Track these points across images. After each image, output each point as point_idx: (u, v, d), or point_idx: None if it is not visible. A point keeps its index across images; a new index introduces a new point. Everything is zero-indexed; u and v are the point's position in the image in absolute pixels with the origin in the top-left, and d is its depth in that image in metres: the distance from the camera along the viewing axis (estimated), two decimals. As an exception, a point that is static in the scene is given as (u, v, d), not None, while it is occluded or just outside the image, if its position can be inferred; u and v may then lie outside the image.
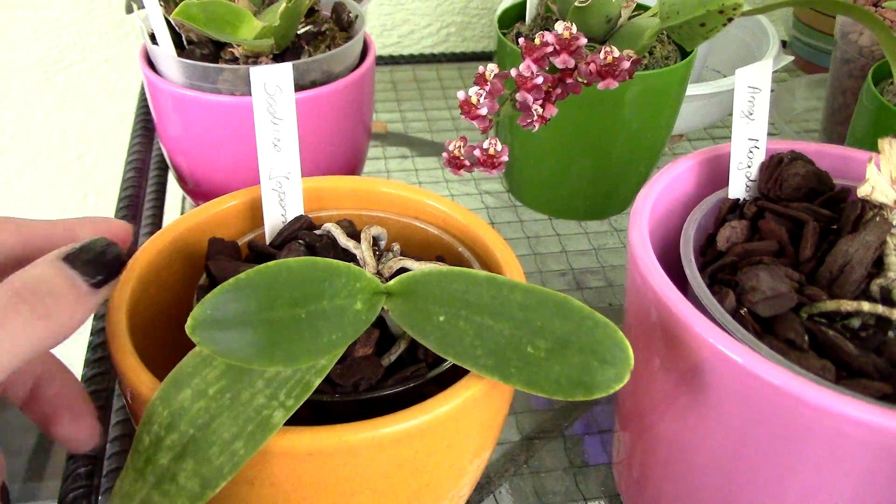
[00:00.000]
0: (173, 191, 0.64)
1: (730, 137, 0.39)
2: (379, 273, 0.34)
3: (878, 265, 0.34)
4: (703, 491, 0.35)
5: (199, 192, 0.56)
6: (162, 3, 0.51)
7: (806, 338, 0.32)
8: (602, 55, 0.39)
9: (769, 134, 0.73)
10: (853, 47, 0.61)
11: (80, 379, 0.41)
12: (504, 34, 0.60)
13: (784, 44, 0.87)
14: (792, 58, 0.69)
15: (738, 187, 0.39)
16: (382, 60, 0.87)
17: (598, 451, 0.46)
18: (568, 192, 0.61)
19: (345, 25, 0.56)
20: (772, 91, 0.79)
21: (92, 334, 0.44)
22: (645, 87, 0.54)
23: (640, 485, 0.40)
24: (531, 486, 0.44)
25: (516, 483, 0.44)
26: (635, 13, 0.53)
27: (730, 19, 0.34)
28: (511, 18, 0.62)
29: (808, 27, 0.80)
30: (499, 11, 0.62)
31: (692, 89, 0.64)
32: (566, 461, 0.45)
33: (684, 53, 0.58)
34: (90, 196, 1.00)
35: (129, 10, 0.58)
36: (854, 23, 0.61)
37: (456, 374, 0.31)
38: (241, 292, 0.26)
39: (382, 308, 0.31)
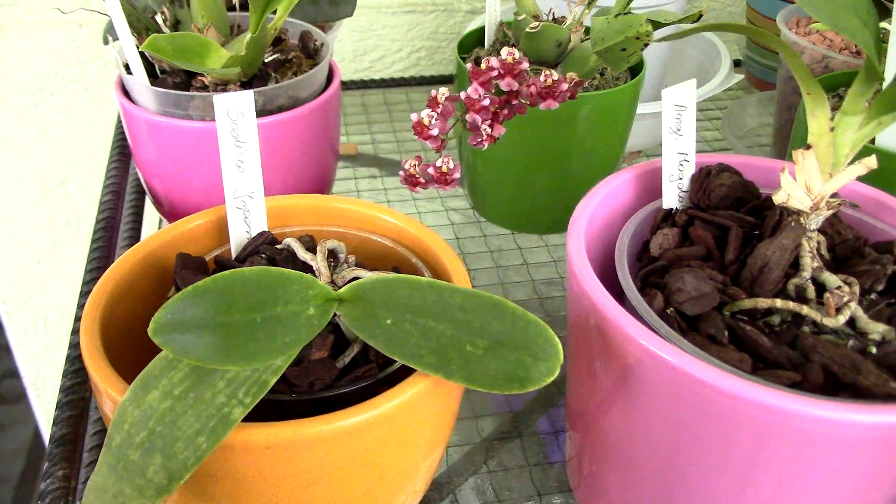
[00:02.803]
0: (150, 215, 0.67)
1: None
2: (333, 282, 0.37)
3: (797, 266, 0.37)
4: (646, 481, 0.38)
5: (174, 215, 0.59)
6: (135, 35, 0.54)
7: (726, 333, 0.35)
8: (543, 78, 0.42)
9: (722, 149, 0.77)
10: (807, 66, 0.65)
11: (59, 389, 0.43)
12: (465, 58, 0.63)
13: (738, 63, 0.90)
14: (741, 76, 0.72)
15: (671, 198, 0.42)
16: (354, 85, 0.90)
17: (554, 450, 0.49)
18: (529, 208, 0.64)
19: (311, 53, 0.59)
20: (724, 108, 0.82)
21: (70, 347, 0.46)
22: (596, 107, 0.57)
23: (589, 479, 0.43)
24: (489, 484, 0.46)
25: (476, 482, 0.47)
26: (586, 37, 0.57)
27: (645, 45, 0.37)
28: (472, 43, 0.65)
29: (761, 47, 0.84)
30: (461, 36, 0.65)
31: (649, 107, 0.67)
32: (523, 460, 0.48)
33: (634, 74, 0.61)
34: (72, 222, 1.02)
35: (106, 41, 0.61)
36: (795, 43, 0.65)
37: (407, 375, 0.33)
38: (198, 298, 0.29)
39: (335, 314, 0.33)
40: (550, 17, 0.60)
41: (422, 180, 0.45)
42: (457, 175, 0.44)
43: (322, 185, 0.60)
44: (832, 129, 0.36)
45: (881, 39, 0.32)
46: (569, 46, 0.56)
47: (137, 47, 0.52)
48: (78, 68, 0.92)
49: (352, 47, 0.96)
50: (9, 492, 1.45)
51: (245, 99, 0.39)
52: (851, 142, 0.37)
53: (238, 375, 0.30)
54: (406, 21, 0.95)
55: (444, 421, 0.36)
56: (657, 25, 0.41)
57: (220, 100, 0.38)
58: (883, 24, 0.55)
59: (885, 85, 0.36)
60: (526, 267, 0.63)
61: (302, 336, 0.31)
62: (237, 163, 0.39)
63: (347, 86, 0.89)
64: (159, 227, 0.69)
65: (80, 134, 0.96)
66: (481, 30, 0.65)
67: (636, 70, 0.61)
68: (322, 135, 0.56)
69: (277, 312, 0.31)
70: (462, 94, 0.43)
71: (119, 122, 0.76)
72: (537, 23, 0.53)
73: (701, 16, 0.38)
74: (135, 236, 0.60)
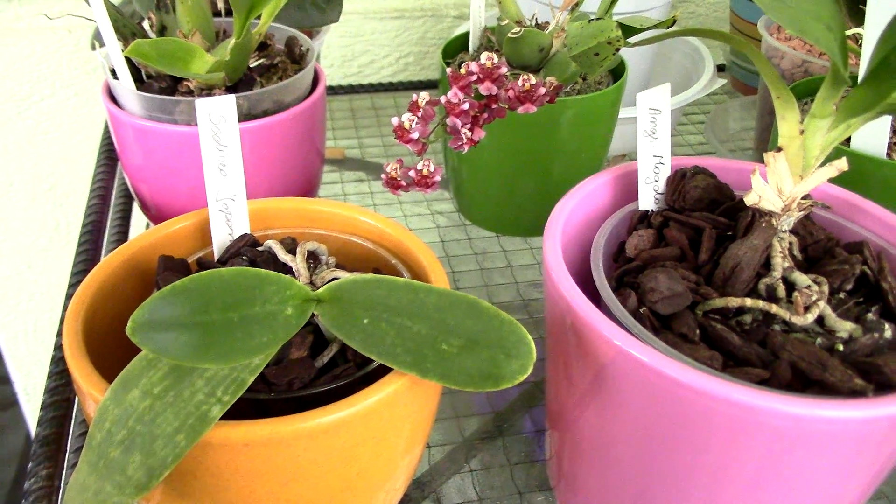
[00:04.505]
0: (138, 219, 0.67)
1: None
2: (312, 283, 0.37)
3: (769, 266, 0.38)
4: (623, 478, 0.38)
5: (161, 218, 0.59)
6: (121, 41, 0.54)
7: (697, 332, 0.35)
8: (520, 82, 0.43)
9: (706, 152, 0.78)
10: (776, 70, 0.66)
11: (44, 391, 0.44)
12: (449, 63, 0.64)
13: (723, 67, 0.91)
14: (725, 81, 0.73)
15: (648, 200, 0.43)
16: (342, 90, 0.90)
17: (536, 449, 0.50)
18: (513, 211, 0.65)
19: (296, 58, 0.60)
20: (709, 112, 0.83)
21: (55, 349, 0.47)
22: (578, 111, 0.58)
23: (569, 478, 0.43)
24: (471, 483, 0.47)
25: (458, 481, 0.47)
26: (567, 42, 0.57)
27: (617, 49, 0.38)
28: (457, 48, 0.66)
29: (749, 42, 0.84)
30: (445, 42, 0.66)
31: (633, 112, 0.68)
32: (505, 459, 0.48)
33: (616, 78, 0.62)
34: (62, 226, 1.02)
35: (94, 47, 0.62)
36: (776, 48, 0.66)
37: (385, 374, 0.34)
38: (176, 298, 0.29)
39: (313, 314, 0.34)
40: (533, 23, 0.60)
41: (403, 183, 0.45)
42: (437, 178, 0.45)
43: (308, 188, 0.60)
44: (802, 132, 0.37)
45: (846, 44, 0.33)
46: (551, 52, 0.56)
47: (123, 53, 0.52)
48: (67, 73, 0.92)
49: (340, 52, 0.97)
50: (1, 497, 1.45)
51: (226, 103, 0.39)
52: (821, 144, 0.37)
53: (216, 374, 0.31)
54: (394, 26, 0.96)
55: (423, 419, 0.37)
56: (633, 31, 0.41)
57: (202, 104, 0.39)
58: (857, 30, 0.56)
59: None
60: (510, 269, 0.64)
61: (279, 335, 0.32)
62: (219, 166, 0.40)
63: (336, 91, 0.90)
64: (147, 231, 0.69)
65: (70, 138, 0.97)
66: (467, 35, 0.66)
67: (618, 74, 0.62)
68: (307, 139, 0.57)
69: (255, 312, 0.31)
70: (442, 99, 0.44)
71: (107, 126, 0.76)
72: (519, 28, 0.54)
73: (675, 21, 0.39)
74: (122, 240, 0.61)
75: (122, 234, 0.61)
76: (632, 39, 0.43)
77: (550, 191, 0.63)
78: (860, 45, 0.56)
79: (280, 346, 0.32)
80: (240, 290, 0.31)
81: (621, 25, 0.41)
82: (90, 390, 0.33)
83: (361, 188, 0.73)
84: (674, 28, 0.39)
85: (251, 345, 0.30)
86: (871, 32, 0.44)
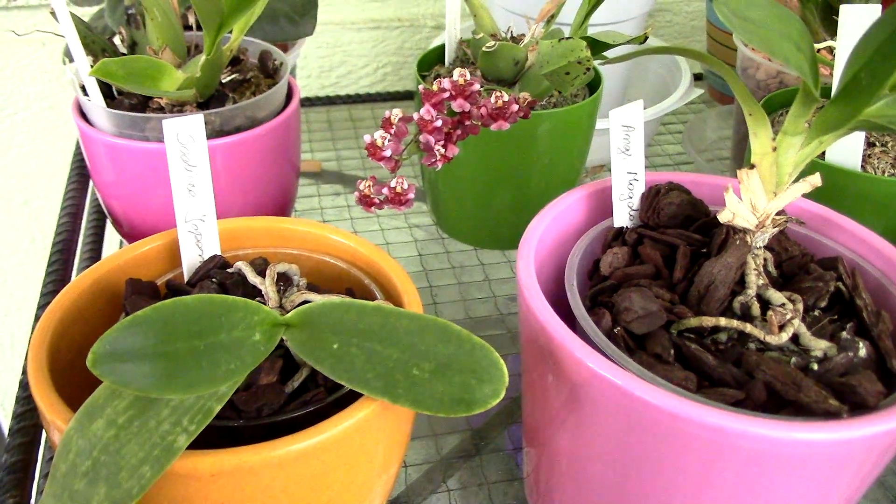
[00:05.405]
0: (112, 236, 0.66)
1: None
2: (282, 306, 0.37)
3: (744, 284, 0.38)
4: (599, 499, 0.38)
5: (134, 236, 0.58)
6: (91, 57, 0.53)
7: (672, 352, 0.35)
8: (493, 99, 0.42)
9: (684, 162, 0.78)
10: (752, 81, 0.66)
11: (11, 416, 0.43)
12: (425, 76, 0.64)
13: (700, 76, 0.91)
14: (702, 91, 0.73)
15: (622, 217, 0.42)
16: (319, 101, 0.90)
17: (514, 466, 0.49)
18: (491, 224, 0.65)
19: (270, 72, 0.59)
20: (686, 122, 0.83)
21: (24, 373, 0.46)
22: (555, 123, 0.58)
23: (546, 496, 0.43)
24: (448, 503, 0.46)
25: (434, 501, 0.47)
26: (543, 55, 0.57)
27: (588, 69, 0.38)
28: (432, 60, 0.66)
29: (721, 62, 0.85)
30: (421, 54, 0.65)
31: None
32: (482, 478, 0.48)
33: (592, 90, 0.62)
34: (37, 240, 1.01)
35: (65, 61, 0.61)
36: (751, 58, 0.66)
37: (357, 398, 0.33)
38: (138, 328, 0.29)
39: (282, 338, 0.33)
40: (509, 36, 0.60)
41: (376, 200, 0.45)
42: (411, 195, 0.44)
43: (283, 204, 0.60)
44: (774, 149, 0.37)
45: (817, 62, 0.33)
46: (526, 65, 0.56)
47: (92, 69, 0.52)
48: (41, 86, 0.91)
49: (318, 63, 0.96)
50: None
51: (194, 123, 0.39)
52: (794, 161, 0.37)
53: (182, 403, 0.30)
54: (372, 37, 0.96)
55: (396, 443, 0.36)
56: (605, 46, 0.41)
57: (169, 124, 0.38)
58: (832, 42, 0.56)
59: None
60: (488, 283, 0.63)
61: (247, 362, 0.31)
62: (188, 186, 0.39)
63: (313, 102, 0.90)
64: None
65: (45, 152, 0.96)
66: (443, 46, 0.65)
67: (594, 86, 0.62)
68: (281, 154, 0.56)
69: (221, 339, 0.31)
70: (415, 115, 0.44)
71: (79, 142, 0.75)
72: (493, 42, 0.53)
73: (647, 38, 0.39)
74: (95, 258, 0.60)
75: (96, 252, 0.61)
76: (607, 54, 0.43)
77: (528, 203, 0.63)
78: (834, 57, 0.56)
79: (247, 373, 0.31)
80: (205, 318, 0.31)
81: (594, 41, 0.41)
82: (54, 419, 0.32)
83: (338, 202, 0.72)
84: (647, 44, 0.39)
85: (217, 373, 0.30)
86: (843, 49, 0.44)
